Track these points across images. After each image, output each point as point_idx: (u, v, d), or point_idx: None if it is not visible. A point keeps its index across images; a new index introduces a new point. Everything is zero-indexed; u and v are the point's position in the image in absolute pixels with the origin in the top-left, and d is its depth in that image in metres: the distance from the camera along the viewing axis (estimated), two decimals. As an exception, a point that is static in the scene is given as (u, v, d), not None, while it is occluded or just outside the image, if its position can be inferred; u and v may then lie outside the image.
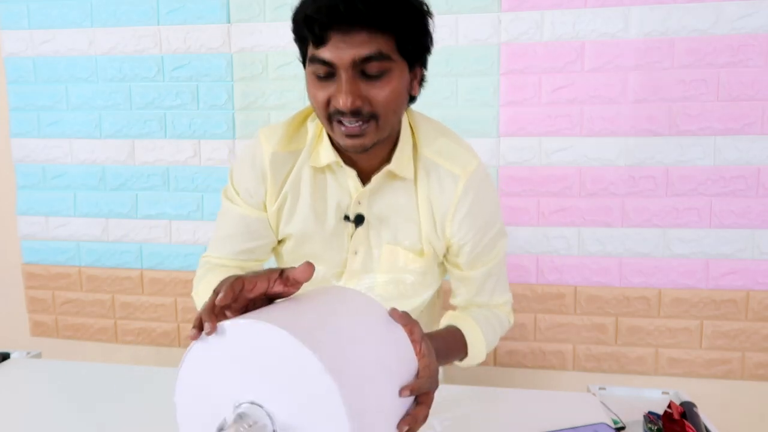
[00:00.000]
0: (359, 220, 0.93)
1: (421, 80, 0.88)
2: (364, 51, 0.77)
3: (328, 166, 0.91)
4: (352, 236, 0.94)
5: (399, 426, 0.63)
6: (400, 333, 0.68)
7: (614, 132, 1.62)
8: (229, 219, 0.98)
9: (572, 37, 1.60)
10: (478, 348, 0.93)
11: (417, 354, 0.68)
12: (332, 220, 0.94)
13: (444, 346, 0.86)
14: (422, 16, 0.82)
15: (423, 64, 0.87)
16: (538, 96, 1.63)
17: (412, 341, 0.69)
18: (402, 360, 0.66)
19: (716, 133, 1.58)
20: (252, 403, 0.57)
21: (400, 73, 0.81)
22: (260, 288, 0.63)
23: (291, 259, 1.00)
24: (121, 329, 1.97)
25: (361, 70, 0.78)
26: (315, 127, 0.93)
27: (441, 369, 1.17)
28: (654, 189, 1.62)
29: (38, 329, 2.02)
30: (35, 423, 0.90)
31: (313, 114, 0.94)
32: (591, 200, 1.65)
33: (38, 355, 1.20)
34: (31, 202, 1.96)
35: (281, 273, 0.64)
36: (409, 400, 0.65)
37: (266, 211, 0.97)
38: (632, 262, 1.66)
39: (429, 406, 0.67)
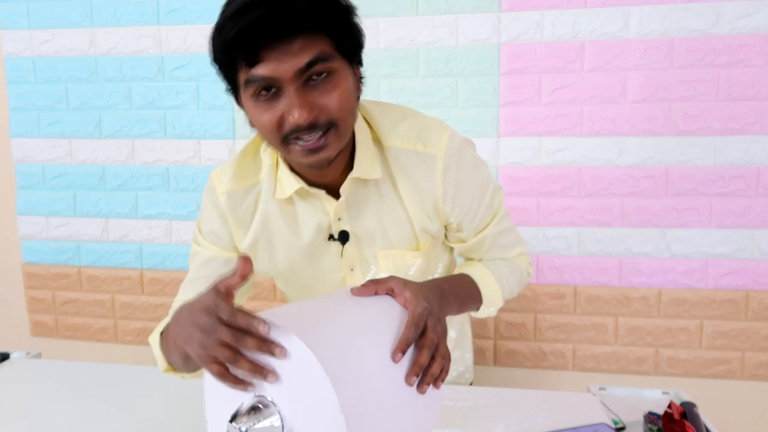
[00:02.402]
0: (344, 237, 0.89)
1: (360, 79, 0.83)
2: (305, 58, 0.71)
3: (296, 193, 0.87)
4: (342, 254, 0.91)
5: (407, 379, 0.63)
6: (387, 301, 0.69)
7: (614, 132, 1.62)
8: (198, 262, 0.95)
9: (572, 37, 1.60)
10: (490, 288, 0.90)
11: (404, 305, 0.68)
12: (316, 245, 0.90)
13: (448, 284, 0.83)
14: (351, 12, 0.76)
15: (360, 62, 0.81)
16: (538, 96, 1.63)
17: (395, 296, 0.70)
18: (394, 325, 0.65)
19: (716, 133, 1.58)
20: (267, 398, 0.59)
21: (344, 72, 0.76)
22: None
23: (292, 293, 1.00)
24: (121, 329, 1.97)
25: (307, 78, 0.73)
26: (269, 157, 0.89)
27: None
28: (654, 189, 1.62)
29: (38, 329, 2.02)
30: (35, 423, 0.90)
31: (265, 143, 0.90)
32: (591, 200, 1.65)
33: (38, 355, 1.20)
34: (31, 202, 1.96)
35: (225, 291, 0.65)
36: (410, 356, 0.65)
37: (237, 252, 0.94)
38: (632, 262, 1.66)
39: (429, 348, 0.65)
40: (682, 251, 1.64)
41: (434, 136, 0.86)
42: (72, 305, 1.98)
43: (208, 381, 0.67)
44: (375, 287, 0.71)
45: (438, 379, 0.67)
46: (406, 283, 0.71)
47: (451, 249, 1.03)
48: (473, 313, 0.95)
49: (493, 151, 1.67)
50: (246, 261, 0.64)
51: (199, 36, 1.77)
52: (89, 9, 1.82)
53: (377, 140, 0.87)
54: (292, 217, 0.90)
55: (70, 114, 1.89)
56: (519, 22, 1.61)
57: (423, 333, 0.66)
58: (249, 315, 0.59)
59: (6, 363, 1.14)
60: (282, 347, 0.57)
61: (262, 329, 0.58)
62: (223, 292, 0.63)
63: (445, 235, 0.96)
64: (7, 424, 0.90)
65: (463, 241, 0.95)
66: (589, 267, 1.69)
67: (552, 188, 1.66)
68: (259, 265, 0.94)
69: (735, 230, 1.61)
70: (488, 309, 0.93)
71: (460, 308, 0.87)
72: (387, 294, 0.71)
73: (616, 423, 0.86)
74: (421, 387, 0.64)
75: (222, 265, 0.93)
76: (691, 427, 0.81)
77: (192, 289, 0.92)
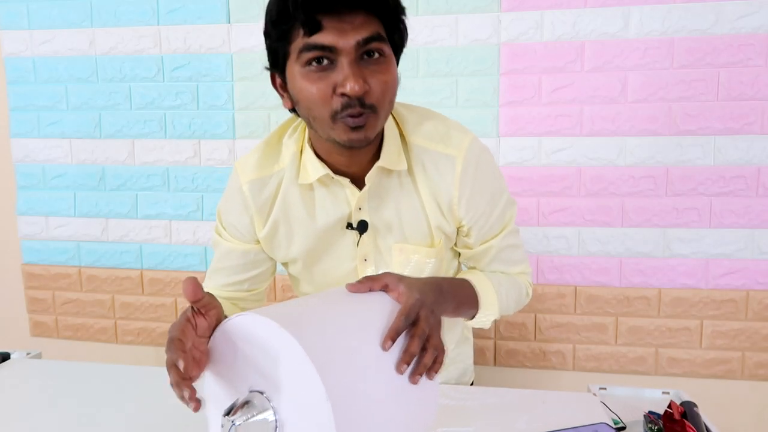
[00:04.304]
0: (363, 226, 0.91)
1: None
2: (365, 32, 0.74)
3: (318, 181, 0.88)
4: (358, 244, 0.92)
5: (397, 367, 0.64)
6: (381, 297, 0.70)
7: (614, 132, 1.62)
8: (219, 253, 0.98)
9: (572, 37, 1.60)
10: (488, 297, 0.90)
11: (398, 299, 0.69)
12: (333, 232, 0.92)
13: (447, 283, 0.84)
14: (402, 8, 0.81)
15: (398, 60, 0.84)
16: (538, 96, 1.63)
17: (389, 291, 0.71)
18: (386, 319, 0.66)
19: (716, 133, 1.58)
20: (261, 393, 0.60)
21: (392, 61, 0.80)
22: (193, 332, 0.66)
23: (305, 280, 1.00)
24: (121, 329, 1.97)
25: (361, 55, 0.75)
26: (294, 143, 0.90)
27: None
28: (654, 189, 1.62)
29: (38, 329, 2.02)
30: (35, 423, 0.90)
31: (290, 131, 0.92)
32: (591, 200, 1.65)
33: (38, 355, 1.20)
34: (31, 202, 1.96)
35: (192, 315, 0.67)
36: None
37: (257, 243, 0.95)
38: (632, 262, 1.66)
39: (420, 337, 0.66)
40: (682, 251, 1.64)
41: (456, 138, 0.89)
42: (72, 305, 1.98)
43: (208, 378, 0.68)
44: (370, 283, 0.72)
45: (431, 370, 0.67)
46: (401, 278, 0.72)
47: (459, 256, 1.03)
48: (467, 322, 0.95)
49: (493, 151, 1.67)
50: (190, 283, 0.65)
51: (199, 36, 1.77)
52: (89, 9, 1.82)
53: (402, 136, 0.89)
54: (311, 203, 0.91)
55: (70, 114, 1.89)
56: (519, 22, 1.61)
57: (415, 323, 0.67)
58: (176, 350, 0.63)
59: (6, 363, 1.14)
60: (196, 404, 0.60)
61: (179, 365, 0.61)
62: (190, 315, 0.67)
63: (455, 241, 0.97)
64: (7, 424, 0.90)
65: (469, 248, 0.95)
66: (589, 267, 1.69)
67: (552, 188, 1.66)
68: (277, 252, 0.96)
69: (735, 230, 1.61)
70: (483, 318, 0.93)
71: (456, 309, 0.87)
72: (382, 290, 0.72)
73: (616, 423, 0.86)
74: (413, 377, 0.65)
75: (240, 257, 0.96)
76: (692, 426, 0.81)
77: (217, 277, 0.99)
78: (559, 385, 1.75)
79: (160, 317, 1.93)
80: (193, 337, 0.65)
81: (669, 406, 0.86)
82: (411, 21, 1.64)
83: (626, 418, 0.88)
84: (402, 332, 0.65)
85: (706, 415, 0.86)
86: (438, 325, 0.70)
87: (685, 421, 0.83)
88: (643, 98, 1.59)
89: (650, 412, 0.86)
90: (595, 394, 0.96)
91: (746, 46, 1.53)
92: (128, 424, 0.90)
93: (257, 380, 0.61)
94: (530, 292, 1.02)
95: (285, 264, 1.00)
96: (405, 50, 1.78)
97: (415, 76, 1.67)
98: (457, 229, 0.94)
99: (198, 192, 1.85)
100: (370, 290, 0.72)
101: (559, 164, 1.65)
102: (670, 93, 1.58)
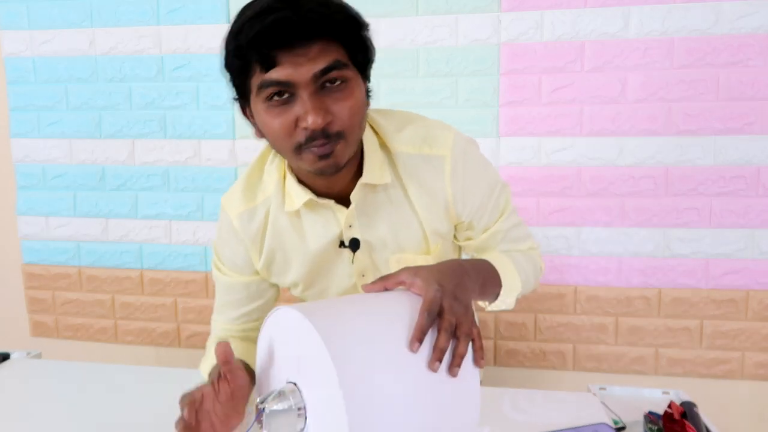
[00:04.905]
0: (355, 244, 0.89)
1: (368, 93, 0.83)
2: (321, 63, 0.72)
3: (305, 205, 0.87)
4: (353, 261, 0.91)
5: (430, 365, 0.63)
6: (404, 293, 0.70)
7: (614, 132, 1.62)
8: (221, 288, 0.98)
9: (572, 37, 1.60)
10: (508, 271, 0.88)
11: (419, 294, 0.68)
12: (327, 253, 0.91)
13: (468, 262, 0.82)
14: (365, 26, 0.78)
15: (368, 77, 0.82)
16: (538, 96, 1.63)
17: (408, 288, 0.70)
18: (413, 316, 0.65)
19: (716, 133, 1.58)
20: (294, 384, 0.63)
21: (357, 83, 0.77)
22: (214, 395, 0.72)
23: (307, 299, 1.00)
24: (121, 329, 1.97)
25: (321, 84, 0.73)
26: (276, 170, 0.89)
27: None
28: (654, 189, 1.62)
29: (38, 329, 2.02)
30: (35, 423, 0.90)
31: (271, 157, 0.91)
32: (591, 200, 1.65)
33: (38, 355, 1.20)
34: (31, 202, 1.96)
35: (217, 379, 0.72)
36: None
37: (256, 274, 0.95)
38: (632, 262, 1.66)
39: (447, 330, 0.64)
40: (682, 251, 1.64)
41: (439, 137, 0.87)
42: (72, 305, 1.98)
43: (258, 371, 0.72)
44: (384, 283, 0.71)
45: (477, 358, 0.67)
46: (416, 271, 0.70)
47: (461, 249, 1.02)
48: (489, 307, 0.93)
49: (493, 151, 1.67)
50: (222, 346, 0.70)
51: (199, 36, 1.77)
52: (89, 9, 1.82)
53: (384, 146, 0.88)
54: (301, 229, 0.90)
55: (70, 114, 1.89)
56: (519, 22, 1.61)
57: (440, 315, 0.66)
58: (184, 404, 0.71)
59: (6, 363, 1.14)
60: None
61: (184, 414, 0.71)
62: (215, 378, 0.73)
63: (454, 235, 0.96)
64: (7, 424, 0.90)
65: (471, 238, 0.95)
66: (589, 267, 1.69)
67: (552, 188, 1.66)
68: (277, 278, 0.96)
69: (735, 230, 1.61)
70: (507, 296, 0.90)
71: (483, 287, 0.84)
72: (400, 286, 0.71)
73: (616, 423, 0.87)
74: (452, 370, 0.64)
75: (243, 289, 0.96)
76: (692, 426, 0.81)
77: (225, 311, 0.99)
78: (559, 385, 1.75)
79: (160, 317, 1.93)
80: (212, 399, 0.68)
81: (669, 406, 0.86)
82: (411, 21, 1.65)
83: (626, 418, 0.88)
84: (428, 329, 0.63)
85: (706, 415, 0.86)
86: (466, 310, 0.68)
87: (685, 421, 0.83)
88: (643, 98, 1.59)
89: (650, 412, 0.86)
90: (595, 394, 0.97)
91: (746, 46, 1.53)
92: (128, 424, 0.90)
93: (293, 372, 0.64)
94: (543, 265, 1.01)
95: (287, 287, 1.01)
96: (405, 50, 1.79)
97: (415, 76, 1.67)
98: (456, 225, 0.93)
99: (198, 192, 1.85)
100: (385, 289, 0.71)
101: (559, 164, 1.65)
102: (670, 93, 1.58)
